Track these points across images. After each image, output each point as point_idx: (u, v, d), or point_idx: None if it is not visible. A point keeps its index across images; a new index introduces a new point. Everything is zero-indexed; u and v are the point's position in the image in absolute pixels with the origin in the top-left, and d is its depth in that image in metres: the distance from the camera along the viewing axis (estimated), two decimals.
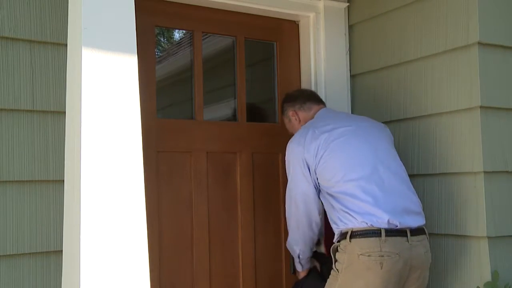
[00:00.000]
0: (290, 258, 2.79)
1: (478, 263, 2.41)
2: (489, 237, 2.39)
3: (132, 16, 1.86)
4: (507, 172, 2.47)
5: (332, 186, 2.32)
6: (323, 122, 2.51)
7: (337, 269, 2.26)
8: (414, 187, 2.50)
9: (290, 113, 2.70)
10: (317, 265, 2.66)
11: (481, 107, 2.42)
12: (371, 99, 2.94)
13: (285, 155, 2.53)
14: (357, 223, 2.21)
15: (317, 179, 2.39)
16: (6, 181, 2.17)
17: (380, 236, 2.17)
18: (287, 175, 2.50)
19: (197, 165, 2.71)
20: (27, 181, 2.21)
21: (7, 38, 2.20)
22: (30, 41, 2.24)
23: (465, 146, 2.47)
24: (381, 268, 2.15)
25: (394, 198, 2.27)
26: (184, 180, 2.68)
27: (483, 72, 2.43)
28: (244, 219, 2.81)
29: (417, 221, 2.27)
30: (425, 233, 2.29)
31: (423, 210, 2.45)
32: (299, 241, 2.51)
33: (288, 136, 2.84)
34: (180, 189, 2.66)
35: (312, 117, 2.63)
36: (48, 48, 2.28)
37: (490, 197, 2.41)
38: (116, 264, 1.73)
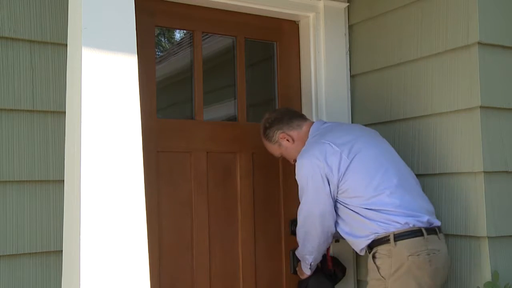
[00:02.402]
0: (290, 258, 2.79)
1: (478, 263, 2.41)
2: (489, 237, 2.39)
3: (132, 16, 1.86)
4: (507, 172, 2.47)
5: (365, 200, 2.29)
6: (333, 134, 2.42)
7: (382, 277, 2.24)
8: None
9: (279, 136, 2.54)
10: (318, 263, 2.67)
11: (481, 107, 2.42)
12: (371, 99, 2.94)
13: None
14: (400, 226, 2.23)
15: (338, 193, 2.35)
16: (6, 181, 2.17)
17: (423, 235, 2.23)
18: (301, 192, 2.41)
19: (197, 165, 2.71)
20: (27, 181, 2.21)
21: (7, 38, 2.20)
22: (30, 41, 2.24)
23: (465, 146, 2.47)
24: (430, 265, 2.21)
25: (420, 201, 2.34)
26: (184, 180, 2.68)
27: (483, 72, 2.43)
28: (244, 219, 2.81)
29: (438, 221, 2.35)
30: (442, 232, 2.37)
31: None
32: (313, 252, 2.50)
33: None
34: (180, 189, 2.66)
35: (306, 133, 2.53)
36: (48, 48, 2.28)
37: (490, 197, 2.41)
38: (116, 264, 1.72)
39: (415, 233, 2.22)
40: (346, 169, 2.31)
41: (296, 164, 2.42)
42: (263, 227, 2.87)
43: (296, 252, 2.59)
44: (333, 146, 2.34)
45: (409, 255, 2.20)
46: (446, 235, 2.52)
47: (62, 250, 1.90)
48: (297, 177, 2.42)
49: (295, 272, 2.76)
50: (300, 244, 2.52)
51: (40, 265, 2.21)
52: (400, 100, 2.77)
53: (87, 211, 1.71)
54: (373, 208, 2.27)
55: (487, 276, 2.36)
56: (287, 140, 2.54)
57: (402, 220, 2.23)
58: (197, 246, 2.68)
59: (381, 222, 2.25)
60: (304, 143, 2.49)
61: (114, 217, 1.74)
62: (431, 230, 2.27)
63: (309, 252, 2.50)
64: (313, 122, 2.60)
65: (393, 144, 2.74)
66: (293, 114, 2.60)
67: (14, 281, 2.16)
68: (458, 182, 2.50)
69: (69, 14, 1.90)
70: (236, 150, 2.82)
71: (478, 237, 2.41)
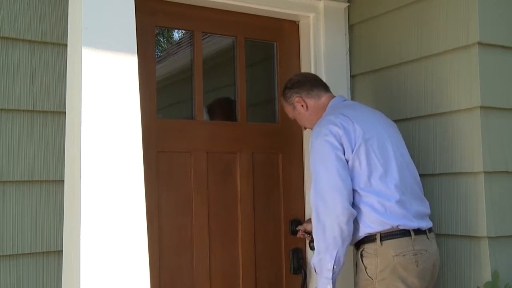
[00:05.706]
0: (290, 258, 2.79)
1: (478, 263, 2.41)
2: (489, 237, 2.39)
3: (132, 16, 1.87)
4: (507, 172, 2.47)
5: (364, 185, 2.22)
6: (353, 112, 2.34)
7: (370, 277, 2.21)
8: None
9: (295, 99, 2.51)
10: None
11: (481, 107, 2.42)
12: (371, 99, 2.94)
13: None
14: (387, 226, 2.20)
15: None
16: (6, 181, 2.17)
17: (410, 236, 2.21)
18: (315, 166, 2.27)
19: (197, 165, 2.71)
20: (27, 181, 2.21)
21: (7, 38, 2.20)
22: (30, 41, 2.25)
23: (465, 146, 2.47)
24: (417, 266, 2.19)
25: (416, 202, 2.31)
26: (184, 180, 2.68)
27: (483, 72, 2.43)
28: (244, 219, 2.81)
29: (430, 223, 2.34)
30: (433, 231, 2.36)
31: None
32: (337, 244, 2.19)
33: (289, 135, 2.83)
34: (180, 189, 2.66)
35: (324, 106, 2.48)
36: (48, 48, 2.28)
37: (490, 197, 2.41)
38: (116, 264, 1.73)
39: (402, 233, 2.21)
40: (358, 148, 2.23)
41: (313, 131, 2.35)
42: (263, 227, 2.87)
43: (316, 261, 2.24)
44: (353, 120, 2.27)
45: (394, 255, 2.18)
46: (446, 235, 2.53)
47: (62, 250, 1.90)
48: (311, 146, 2.30)
49: (295, 272, 2.76)
50: (315, 236, 2.24)
51: (40, 265, 2.21)
52: (400, 100, 2.77)
53: (87, 211, 1.71)
54: (367, 199, 2.20)
55: (487, 276, 2.37)
56: (302, 105, 2.51)
57: (390, 220, 2.20)
58: (197, 246, 2.68)
59: (371, 220, 2.21)
60: (319, 115, 2.45)
61: (114, 217, 1.75)
62: (420, 231, 2.25)
63: (334, 245, 2.18)
64: (334, 96, 2.53)
65: None
66: (316, 83, 2.55)
67: (14, 281, 2.16)
68: (458, 182, 2.50)
69: (69, 14, 1.91)
70: (236, 150, 2.82)
71: (478, 237, 2.41)
